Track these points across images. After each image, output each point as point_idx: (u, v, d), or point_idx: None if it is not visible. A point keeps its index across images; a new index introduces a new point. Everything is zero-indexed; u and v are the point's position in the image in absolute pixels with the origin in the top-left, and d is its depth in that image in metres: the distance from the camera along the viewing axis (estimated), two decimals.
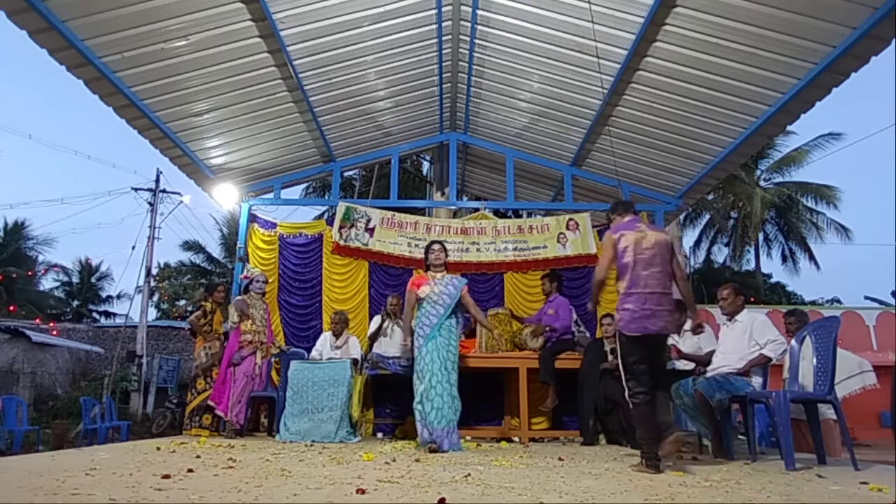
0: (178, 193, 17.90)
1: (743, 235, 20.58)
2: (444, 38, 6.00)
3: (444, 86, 6.81)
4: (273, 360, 6.12)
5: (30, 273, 23.43)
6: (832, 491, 2.58)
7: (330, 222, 7.30)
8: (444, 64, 6.41)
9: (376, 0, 5.14)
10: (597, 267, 3.71)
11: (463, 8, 5.61)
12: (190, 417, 5.70)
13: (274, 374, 6.24)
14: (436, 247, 4.72)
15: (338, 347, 5.99)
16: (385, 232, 7.13)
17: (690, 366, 4.72)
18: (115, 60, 4.69)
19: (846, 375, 4.41)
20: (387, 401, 6.35)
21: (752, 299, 16.99)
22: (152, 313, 22.32)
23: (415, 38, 5.84)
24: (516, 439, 5.57)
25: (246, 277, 6.06)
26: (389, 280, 7.07)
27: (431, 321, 4.40)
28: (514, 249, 7.13)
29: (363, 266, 7.12)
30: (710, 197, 19.48)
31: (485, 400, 6.42)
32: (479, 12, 5.56)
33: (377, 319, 6.26)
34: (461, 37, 6.03)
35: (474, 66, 6.41)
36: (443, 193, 8.48)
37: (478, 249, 7.12)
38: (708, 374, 4.17)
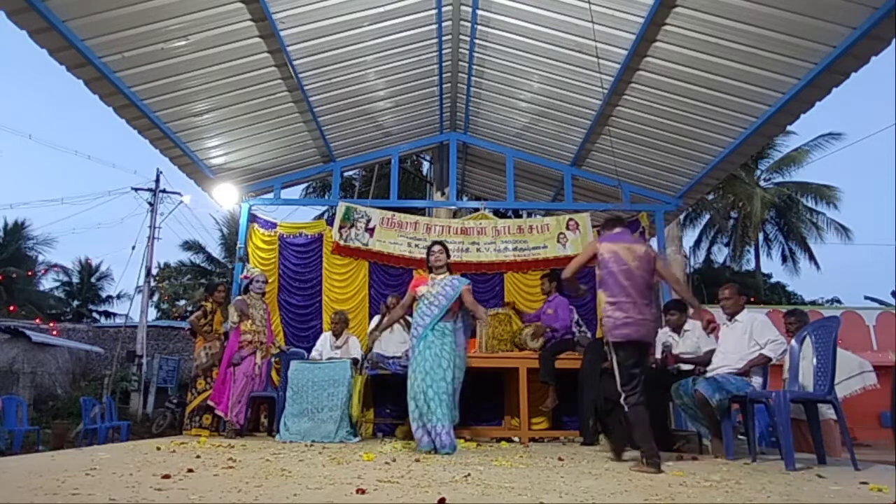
0: (178, 193, 17.93)
1: (743, 235, 20.58)
2: (444, 38, 6.00)
3: (444, 86, 6.81)
4: (273, 360, 6.12)
5: (30, 273, 23.43)
6: (832, 491, 2.58)
7: (330, 222, 7.31)
8: (444, 64, 6.41)
9: (376, 0, 5.14)
10: (569, 264, 3.93)
11: (463, 8, 5.61)
12: (190, 417, 5.70)
13: (274, 374, 6.24)
14: (436, 248, 4.65)
15: (338, 347, 5.99)
16: (385, 232, 7.13)
17: (691, 366, 4.72)
18: (115, 60, 4.69)
19: (846, 375, 4.41)
20: (387, 401, 6.35)
21: (752, 299, 16.99)
22: (152, 313, 22.34)
23: (415, 38, 5.84)
24: (516, 439, 5.57)
25: (246, 277, 6.06)
26: (389, 280, 7.07)
27: (424, 321, 4.34)
28: (514, 249, 7.13)
29: (363, 266, 7.12)
30: (710, 197, 19.47)
31: (485, 400, 6.42)
32: (479, 12, 5.56)
33: (377, 319, 6.26)
34: (461, 37, 6.03)
35: (474, 66, 6.42)
36: (443, 193, 8.48)
37: (478, 249, 7.12)
38: (708, 374, 4.17)
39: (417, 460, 3.53)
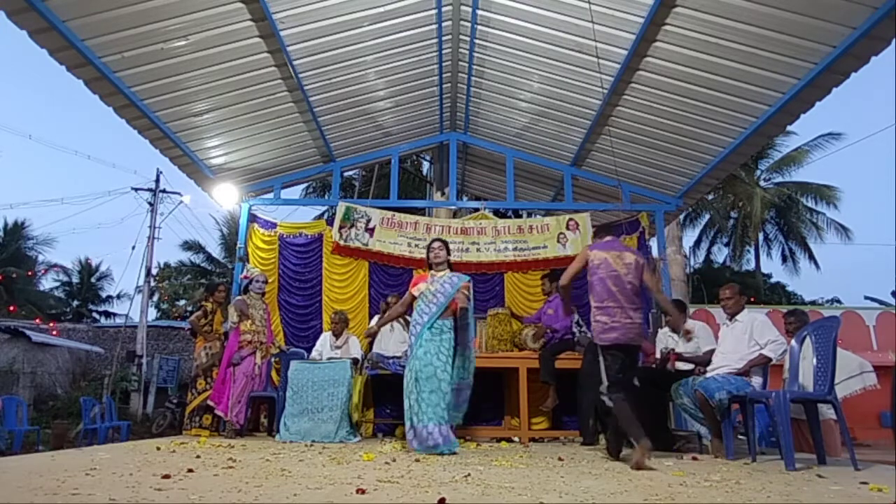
0: (178, 193, 17.94)
1: (743, 235, 20.58)
2: (444, 38, 6.00)
3: (444, 86, 6.81)
4: (273, 360, 6.12)
5: (30, 273, 23.42)
6: (832, 491, 2.58)
7: (330, 222, 7.31)
8: (444, 64, 6.41)
9: (376, 0, 5.14)
10: (564, 273, 4.09)
11: (463, 8, 5.61)
12: (190, 417, 5.70)
13: (274, 374, 6.24)
14: (435, 245, 4.58)
15: (338, 347, 5.99)
16: (385, 232, 7.13)
17: (690, 366, 4.72)
18: (115, 60, 4.69)
19: (847, 376, 4.41)
20: (387, 401, 6.35)
21: (752, 299, 16.99)
22: (152, 313, 22.34)
23: (415, 38, 5.84)
24: (516, 439, 5.57)
25: (246, 277, 6.06)
26: (389, 280, 7.07)
27: (423, 319, 4.26)
28: (514, 249, 7.13)
29: (363, 266, 7.12)
30: (710, 197, 19.47)
31: (485, 400, 6.42)
32: (479, 12, 5.56)
33: (377, 319, 6.25)
34: (461, 37, 6.03)
35: (474, 66, 6.42)
36: (443, 193, 8.48)
37: (478, 249, 7.12)
38: (708, 374, 4.17)
39: (417, 460, 3.53)
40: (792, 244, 21.49)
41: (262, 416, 6.19)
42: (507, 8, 5.36)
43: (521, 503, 2.17)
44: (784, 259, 21.66)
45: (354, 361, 5.69)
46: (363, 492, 2.28)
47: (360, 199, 8.78)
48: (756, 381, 3.97)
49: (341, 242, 7.02)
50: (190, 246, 23.23)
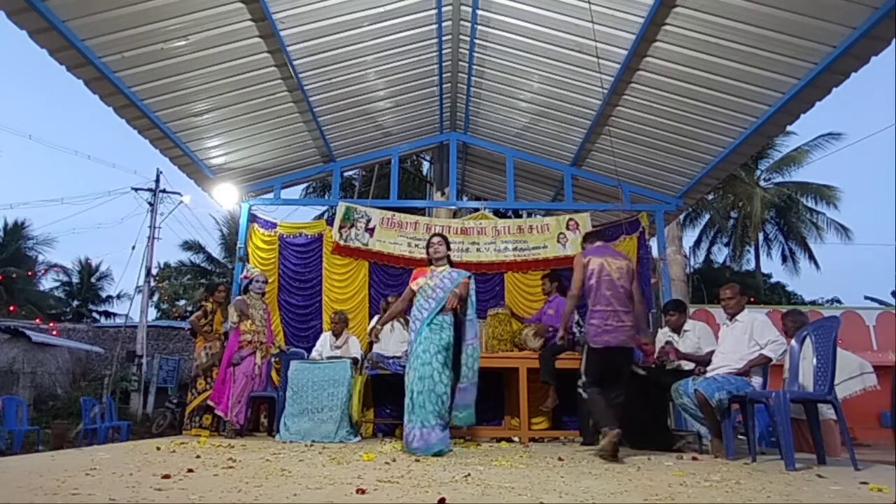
0: (178, 193, 17.95)
1: (743, 235, 20.58)
2: (444, 39, 6.00)
3: (444, 86, 6.81)
4: (273, 360, 6.12)
5: (30, 273, 23.43)
6: (832, 491, 2.58)
7: (330, 222, 7.31)
8: (444, 64, 6.41)
9: (376, 0, 5.14)
10: (571, 285, 4.20)
11: (463, 8, 5.61)
12: (190, 417, 5.70)
13: (274, 374, 6.24)
14: (435, 240, 4.51)
15: (338, 347, 5.99)
16: (385, 232, 7.13)
17: (690, 366, 4.72)
18: (115, 60, 4.69)
19: (847, 376, 4.41)
20: (387, 401, 6.35)
21: (751, 299, 16.99)
22: (152, 313, 22.35)
23: (415, 38, 5.84)
24: (516, 439, 5.57)
25: (246, 277, 6.06)
26: (389, 280, 7.07)
27: (422, 314, 4.18)
28: (514, 249, 7.13)
29: (363, 266, 7.12)
30: (710, 197, 19.47)
31: (485, 400, 6.41)
32: (479, 12, 5.56)
33: (376, 319, 6.25)
34: (461, 37, 6.03)
35: (474, 66, 6.42)
36: (443, 193, 8.48)
37: (478, 249, 7.12)
38: (708, 374, 4.17)
39: (417, 460, 3.53)
40: (792, 244, 21.50)
41: (262, 416, 6.19)
42: (507, 8, 5.36)
43: (521, 503, 2.17)
44: (784, 259, 21.68)
45: (354, 361, 5.69)
46: (363, 492, 2.28)
47: (360, 199, 8.78)
48: (756, 381, 3.97)
49: (341, 242, 7.02)
50: (190, 246, 23.26)
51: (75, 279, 26.74)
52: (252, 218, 7.20)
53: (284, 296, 7.02)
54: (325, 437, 4.97)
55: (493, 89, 6.71)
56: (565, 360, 5.61)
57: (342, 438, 4.99)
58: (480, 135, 7.76)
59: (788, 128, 7.83)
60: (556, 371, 5.52)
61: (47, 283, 26.34)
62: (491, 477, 2.80)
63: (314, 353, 6.00)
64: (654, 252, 7.40)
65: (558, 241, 7.11)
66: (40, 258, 25.24)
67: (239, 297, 5.86)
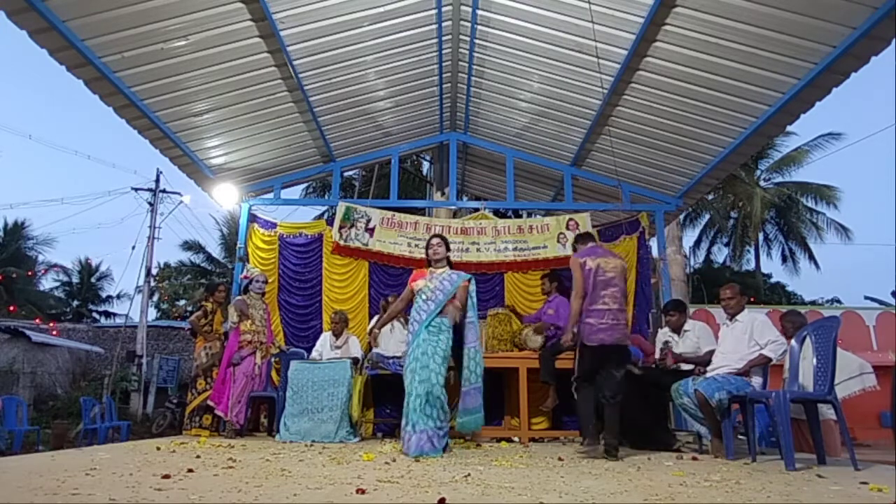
0: (178, 193, 17.94)
1: (743, 235, 20.58)
2: (444, 38, 6.00)
3: (444, 86, 6.81)
4: (273, 360, 6.12)
5: (30, 273, 23.43)
6: (832, 491, 2.58)
7: (330, 222, 7.31)
8: (444, 64, 6.41)
9: (376, 0, 5.14)
10: (574, 288, 4.22)
11: (463, 8, 5.61)
12: (190, 417, 5.70)
13: (274, 374, 6.24)
14: (434, 241, 4.48)
15: (338, 347, 5.99)
16: (385, 232, 7.13)
17: (690, 366, 4.72)
18: (115, 60, 4.69)
19: (846, 377, 4.41)
20: (387, 401, 6.35)
21: (751, 299, 16.99)
22: (152, 313, 22.35)
23: (415, 38, 5.84)
24: (516, 439, 5.57)
25: (246, 277, 6.06)
26: (389, 280, 7.07)
27: (421, 317, 4.15)
28: (514, 249, 7.13)
29: (363, 266, 7.12)
30: (710, 197, 19.47)
31: (485, 400, 6.41)
32: (479, 12, 5.56)
33: (376, 319, 6.25)
34: (461, 37, 6.03)
35: (474, 66, 6.42)
36: (443, 193, 8.48)
37: (478, 249, 7.12)
38: (708, 374, 4.17)
39: (417, 460, 3.53)
40: (792, 244, 21.49)
41: (262, 416, 6.19)
42: (507, 8, 5.36)
43: (521, 503, 2.17)
44: (784, 259, 21.68)
45: (354, 361, 5.69)
46: (363, 492, 2.28)
47: (360, 199, 8.78)
48: (756, 381, 3.97)
49: (341, 242, 7.02)
50: (190, 246, 23.25)
51: (75, 279, 26.74)
52: (252, 218, 7.20)
53: (284, 296, 7.02)
54: (325, 437, 4.96)
55: (493, 89, 6.71)
56: (565, 359, 5.60)
57: (342, 438, 4.99)
58: (480, 135, 7.76)
59: (788, 128, 7.84)
60: (556, 371, 5.51)
61: (47, 283, 26.38)
62: (491, 477, 2.80)
63: (314, 353, 6.00)
64: (654, 252, 7.40)
65: (558, 241, 7.11)
66: (40, 258, 25.28)
67: (239, 297, 5.86)
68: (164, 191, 17.64)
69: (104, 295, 27.35)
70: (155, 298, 23.33)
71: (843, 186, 31.45)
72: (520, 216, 9.69)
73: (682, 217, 12.34)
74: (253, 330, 5.63)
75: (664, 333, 5.19)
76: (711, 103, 5.41)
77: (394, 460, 3.50)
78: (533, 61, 5.89)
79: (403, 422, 3.95)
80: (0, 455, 7.14)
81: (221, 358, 5.63)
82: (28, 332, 14.58)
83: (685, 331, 5.01)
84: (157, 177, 17.53)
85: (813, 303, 20.38)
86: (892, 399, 6.66)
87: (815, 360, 3.64)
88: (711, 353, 4.42)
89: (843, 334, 4.11)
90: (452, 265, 4.54)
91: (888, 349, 11.59)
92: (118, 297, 26.88)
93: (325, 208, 15.35)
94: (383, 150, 7.72)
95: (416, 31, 5.76)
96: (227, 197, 7.06)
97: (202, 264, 23.78)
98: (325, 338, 6.14)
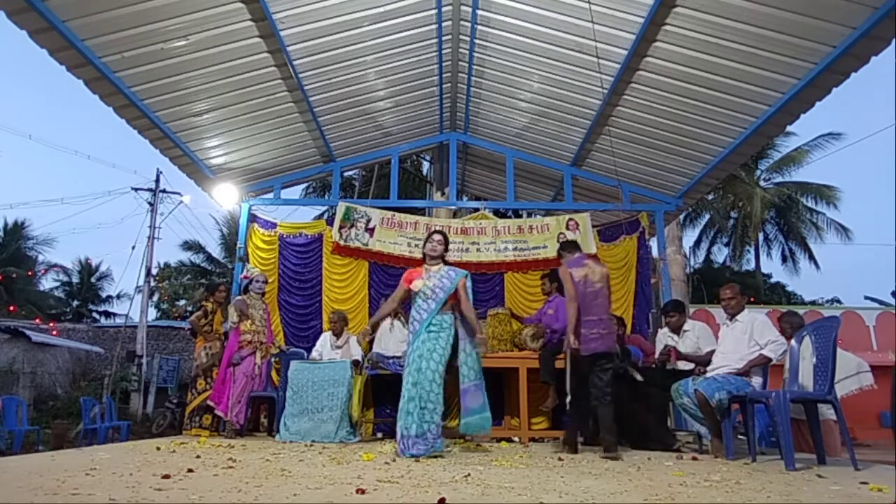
0: (178, 193, 17.92)
1: (743, 235, 20.57)
2: (444, 38, 6.00)
3: (444, 86, 6.81)
4: (273, 360, 6.12)
5: (30, 273, 23.42)
6: (832, 491, 2.58)
7: (330, 222, 7.31)
8: (444, 64, 6.41)
9: (376, 0, 5.14)
10: (566, 299, 4.34)
11: (463, 8, 5.61)
12: (190, 417, 5.70)
13: (274, 374, 6.24)
14: (436, 236, 4.35)
15: (338, 347, 5.99)
16: (385, 232, 7.13)
17: (690, 366, 4.72)
18: (115, 60, 4.69)
19: (843, 375, 4.41)
20: (387, 401, 6.34)
21: (751, 299, 16.99)
22: (152, 313, 22.33)
23: (415, 38, 5.84)
24: (516, 439, 5.57)
25: (246, 277, 6.06)
26: (389, 280, 7.06)
27: (422, 316, 4.07)
28: (514, 249, 7.13)
29: (363, 266, 7.12)
30: (710, 197, 19.46)
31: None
32: (479, 12, 5.56)
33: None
34: (461, 37, 6.03)
35: (474, 66, 6.42)
36: (443, 193, 8.48)
37: (478, 249, 7.12)
38: (708, 375, 4.17)
39: (417, 460, 3.53)
40: (792, 244, 21.49)
41: (262, 416, 6.19)
42: (507, 8, 5.36)
43: (521, 503, 2.17)
44: (784, 259, 21.67)
45: (355, 362, 5.69)
46: (363, 492, 2.28)
47: (360, 199, 8.78)
48: (756, 381, 3.97)
49: (341, 242, 7.02)
50: (190, 246, 23.24)
51: (75, 279, 26.73)
52: (252, 218, 7.20)
53: (284, 296, 7.02)
54: (325, 437, 4.97)
55: (493, 89, 6.71)
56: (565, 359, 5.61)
57: (342, 438, 4.99)
58: (480, 135, 7.76)
59: (788, 128, 7.83)
60: (556, 371, 5.52)
61: (47, 283, 26.37)
62: (491, 477, 2.80)
63: (314, 353, 6.00)
64: (654, 252, 7.40)
65: (558, 242, 7.09)
66: (40, 258, 25.27)
67: (239, 297, 5.86)
68: (164, 191, 17.64)
69: (104, 295, 27.36)
70: (155, 298, 23.33)
71: (843, 186, 31.49)
72: (520, 216, 9.69)
73: (682, 217, 12.34)
74: (253, 330, 5.63)
75: (664, 334, 5.19)
76: (711, 103, 5.41)
77: (394, 460, 3.50)
78: (533, 61, 5.89)
79: (398, 423, 3.92)
80: (0, 455, 7.14)
81: (221, 358, 5.63)
82: (28, 332, 14.57)
83: (685, 331, 5.01)
84: (157, 177, 17.53)
85: (813, 303, 20.37)
86: (892, 399, 6.66)
87: (814, 360, 3.64)
88: (711, 353, 4.43)
89: (843, 334, 4.11)
90: (446, 262, 4.42)
91: (888, 349, 11.59)
92: (118, 297, 26.90)
93: (325, 208, 15.35)
94: (383, 150, 7.72)
95: (416, 31, 5.76)
96: (227, 197, 7.06)
97: (202, 264, 23.77)
98: (326, 338, 6.14)
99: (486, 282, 7.11)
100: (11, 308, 20.15)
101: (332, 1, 4.96)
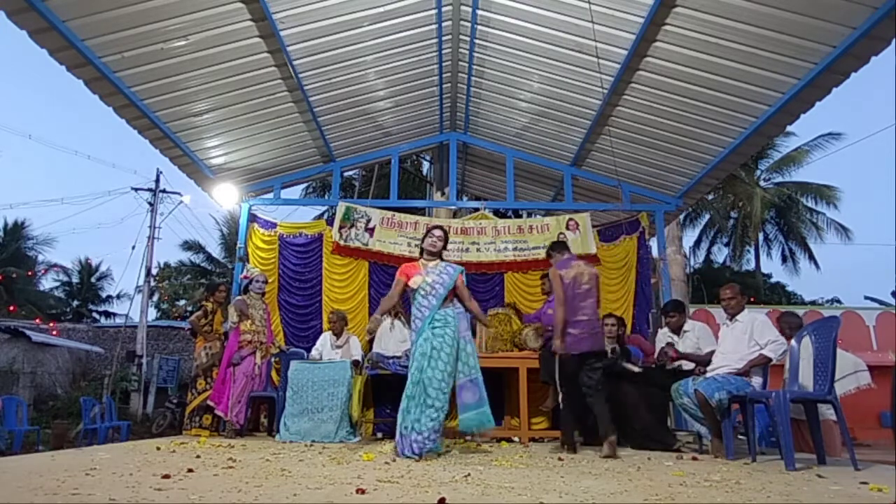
0: (178, 193, 17.92)
1: (743, 235, 20.57)
2: (444, 38, 6.00)
3: (444, 86, 6.81)
4: (273, 360, 6.12)
5: (30, 273, 23.41)
6: (832, 491, 2.58)
7: (330, 222, 7.31)
8: (444, 64, 6.41)
9: (376, 0, 5.14)
10: (555, 301, 4.34)
11: (463, 8, 5.61)
12: (190, 417, 5.70)
13: (274, 374, 6.24)
14: (436, 231, 4.37)
15: (338, 347, 5.99)
16: (385, 232, 7.13)
17: (690, 366, 4.72)
18: (115, 60, 4.69)
19: (841, 375, 4.40)
20: (387, 401, 6.34)
21: (751, 299, 16.99)
22: (152, 313, 22.33)
23: (415, 38, 5.84)
24: (516, 439, 5.57)
25: (246, 277, 6.06)
26: (389, 280, 7.03)
27: (424, 313, 4.04)
28: (514, 249, 7.13)
29: (363, 266, 7.12)
30: (710, 197, 19.46)
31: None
32: (479, 12, 5.56)
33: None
34: (461, 37, 6.03)
35: (474, 66, 6.42)
36: (443, 193, 8.48)
37: (478, 249, 7.12)
38: (708, 375, 4.17)
39: (417, 460, 3.53)
40: (792, 244, 21.49)
41: (262, 416, 6.19)
42: (507, 8, 5.36)
43: (521, 503, 2.17)
44: (784, 259, 21.67)
45: (355, 363, 5.69)
46: (363, 492, 2.28)
47: (360, 199, 8.77)
48: (756, 381, 3.97)
49: (341, 242, 7.02)
50: (190, 246, 23.23)
51: (75, 279, 26.72)
52: (252, 218, 7.20)
53: (284, 296, 7.02)
54: (325, 437, 4.97)
55: (493, 89, 6.71)
56: None
57: (342, 438, 4.99)
58: (480, 135, 7.76)
59: (788, 128, 7.85)
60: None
61: (47, 283, 26.35)
62: (491, 477, 2.80)
63: (314, 353, 6.00)
64: (654, 252, 7.40)
65: None
66: (40, 258, 25.26)
67: (239, 297, 5.86)
68: (164, 191, 17.64)
69: (104, 295, 27.35)
70: (155, 298, 23.32)
71: (843, 186, 31.54)
72: (520, 216, 9.69)
73: (682, 217, 12.34)
74: (253, 330, 5.63)
75: (664, 334, 5.19)
76: (711, 103, 5.42)
77: (394, 460, 3.50)
78: (533, 61, 5.89)
79: (398, 423, 3.90)
80: (0, 455, 7.14)
81: (221, 358, 5.63)
82: (28, 332, 14.57)
83: (685, 331, 5.01)
84: (157, 177, 17.53)
85: (813, 303, 20.37)
86: (892, 399, 6.66)
87: (814, 360, 3.64)
88: (711, 353, 4.43)
89: (843, 334, 4.11)
90: (442, 259, 4.40)
91: (888, 349, 11.59)
92: (118, 297, 26.89)
93: (325, 208, 15.35)
94: (383, 150, 7.72)
95: (415, 31, 5.76)
96: (227, 197, 7.06)
97: (202, 264, 23.76)
98: (326, 337, 6.14)
99: (486, 282, 7.12)
100: (11, 308, 20.15)
101: (332, 1, 4.96)
